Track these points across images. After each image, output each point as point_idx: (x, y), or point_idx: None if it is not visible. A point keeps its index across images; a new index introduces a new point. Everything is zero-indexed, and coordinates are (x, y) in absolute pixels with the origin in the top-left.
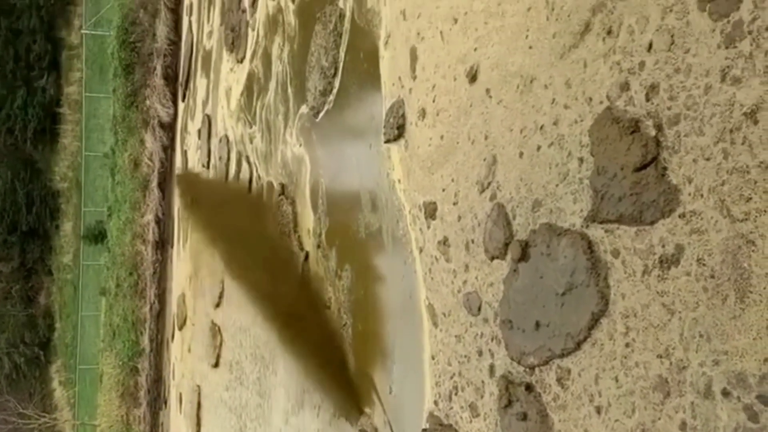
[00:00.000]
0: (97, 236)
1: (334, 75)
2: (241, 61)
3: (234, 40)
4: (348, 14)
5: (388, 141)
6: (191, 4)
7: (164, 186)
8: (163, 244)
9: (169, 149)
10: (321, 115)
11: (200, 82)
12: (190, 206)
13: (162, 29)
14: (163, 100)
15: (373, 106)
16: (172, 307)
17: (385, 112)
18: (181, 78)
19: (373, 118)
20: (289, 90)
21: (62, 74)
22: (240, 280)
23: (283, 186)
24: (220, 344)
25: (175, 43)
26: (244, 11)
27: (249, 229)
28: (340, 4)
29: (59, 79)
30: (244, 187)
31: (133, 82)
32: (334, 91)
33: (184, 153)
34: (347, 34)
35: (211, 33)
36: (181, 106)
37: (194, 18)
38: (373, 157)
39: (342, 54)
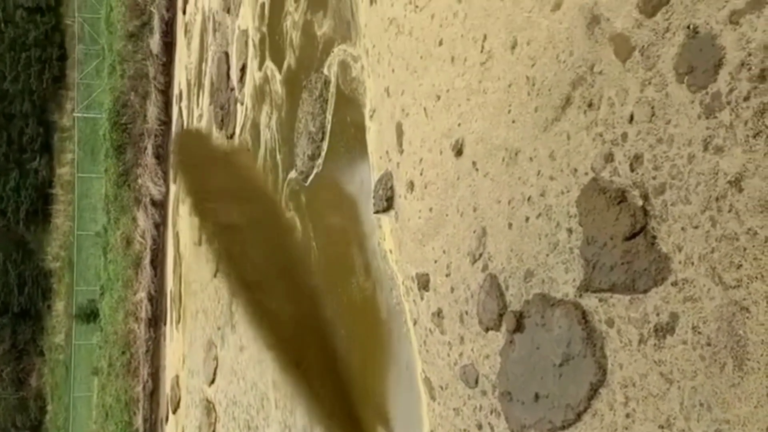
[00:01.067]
0: (90, 315)
1: (322, 139)
2: (230, 136)
3: (223, 118)
4: (333, 80)
5: (377, 212)
6: (180, 92)
7: (156, 263)
8: (156, 321)
9: (161, 226)
10: (310, 179)
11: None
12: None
13: (152, 110)
14: (154, 178)
15: (362, 171)
16: (166, 386)
17: (374, 184)
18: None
19: (362, 182)
20: (278, 157)
21: (54, 156)
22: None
23: None
24: (215, 421)
25: (165, 123)
26: (232, 89)
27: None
28: (325, 71)
29: (51, 161)
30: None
31: (125, 162)
32: (323, 155)
33: (176, 234)
34: (333, 98)
35: (201, 116)
36: (172, 187)
37: (184, 104)
38: (364, 224)
39: (329, 118)
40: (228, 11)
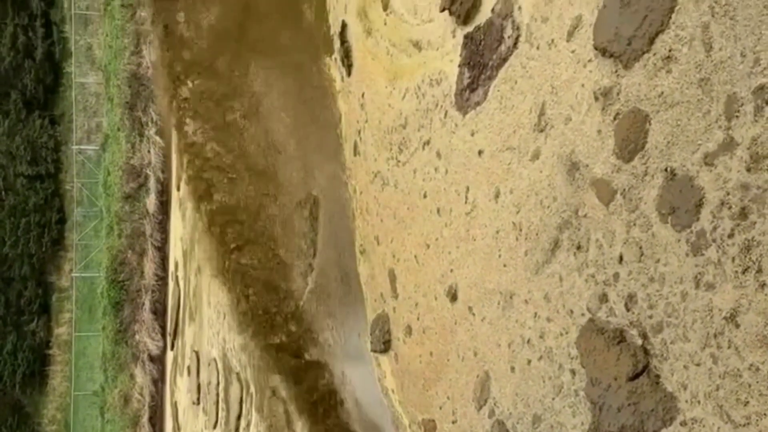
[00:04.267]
0: None
1: (314, 256)
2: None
3: None
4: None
5: (375, 351)
6: (177, 263)
7: (155, 420)
8: None
9: (159, 382)
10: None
11: (188, 330)
12: None
13: (150, 266)
14: (152, 333)
15: (357, 311)
16: None
17: (370, 325)
18: (169, 328)
19: (357, 322)
20: None
21: (52, 316)
22: None
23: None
24: None
25: (162, 278)
26: None
27: None
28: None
29: (49, 322)
30: None
31: (122, 318)
32: (314, 273)
33: (174, 404)
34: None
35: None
36: (169, 354)
37: (180, 274)
38: (363, 355)
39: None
40: None
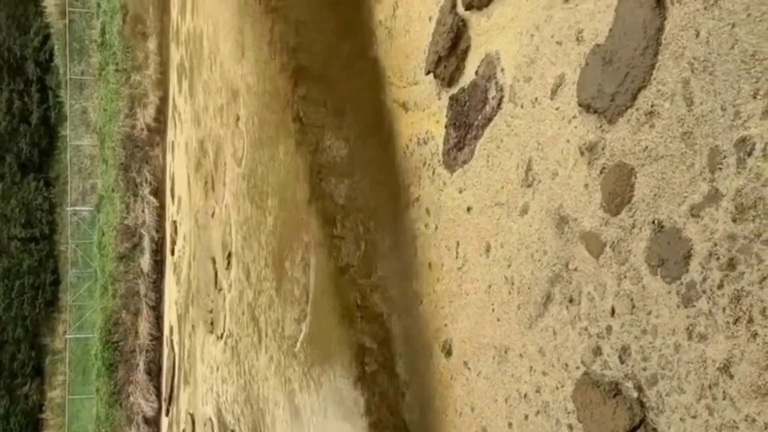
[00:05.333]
0: None
1: (306, 302)
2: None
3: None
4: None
5: None
6: (171, 327)
7: None
8: None
9: None
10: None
11: (183, 395)
12: None
13: (144, 326)
14: (146, 394)
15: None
16: None
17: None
18: (164, 393)
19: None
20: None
21: (45, 379)
22: None
23: None
24: None
25: (157, 338)
26: (220, 290)
27: None
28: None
29: (42, 385)
30: None
31: (116, 380)
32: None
33: None
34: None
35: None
36: (164, 420)
37: (175, 338)
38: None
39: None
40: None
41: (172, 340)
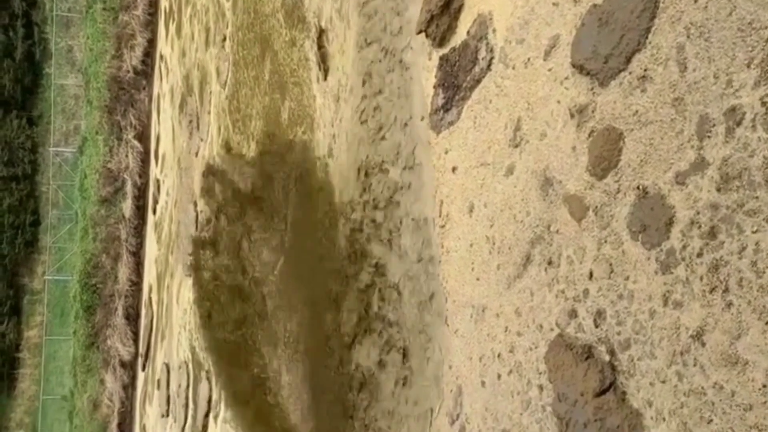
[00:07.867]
0: None
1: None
2: None
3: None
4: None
5: None
6: (151, 286)
7: (124, 427)
8: None
9: (129, 388)
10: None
11: (160, 351)
12: None
13: (124, 271)
14: (124, 339)
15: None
16: None
17: None
18: (141, 349)
19: None
20: None
21: (23, 319)
22: None
23: None
24: None
25: (136, 284)
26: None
27: None
28: None
29: (20, 324)
30: None
31: (94, 323)
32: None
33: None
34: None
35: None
36: (141, 376)
37: (154, 297)
38: None
39: None
40: None
41: (150, 299)
